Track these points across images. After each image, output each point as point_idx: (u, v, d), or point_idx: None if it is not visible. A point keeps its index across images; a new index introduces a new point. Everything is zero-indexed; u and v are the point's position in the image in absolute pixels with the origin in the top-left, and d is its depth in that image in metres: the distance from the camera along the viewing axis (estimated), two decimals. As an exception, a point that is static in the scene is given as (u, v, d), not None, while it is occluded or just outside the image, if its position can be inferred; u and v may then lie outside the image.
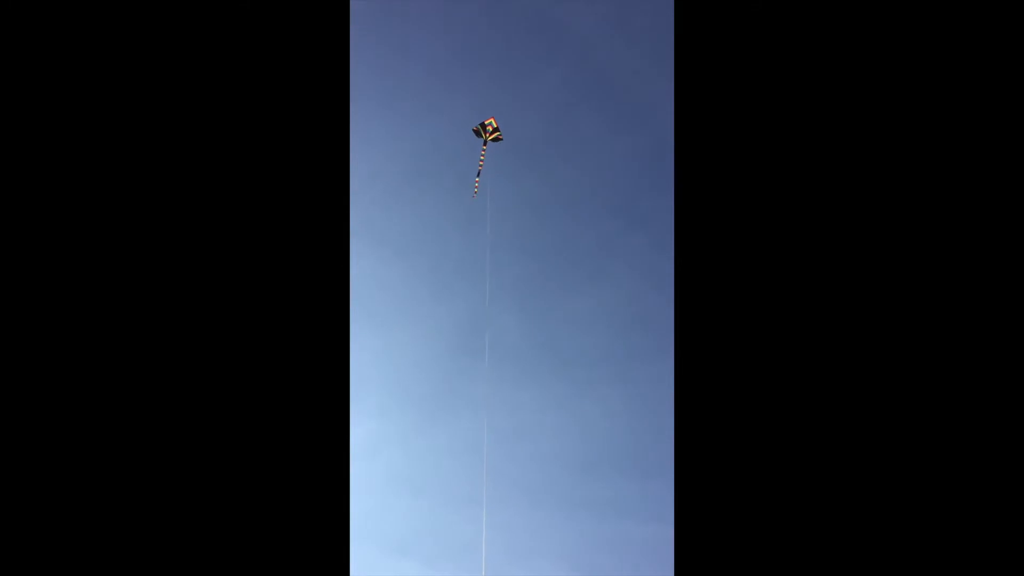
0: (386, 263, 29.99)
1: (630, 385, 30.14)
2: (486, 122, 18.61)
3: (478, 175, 18.42)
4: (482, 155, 18.39)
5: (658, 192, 30.90)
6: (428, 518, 27.75)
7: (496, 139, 18.50)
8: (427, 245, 30.68)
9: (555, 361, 30.40)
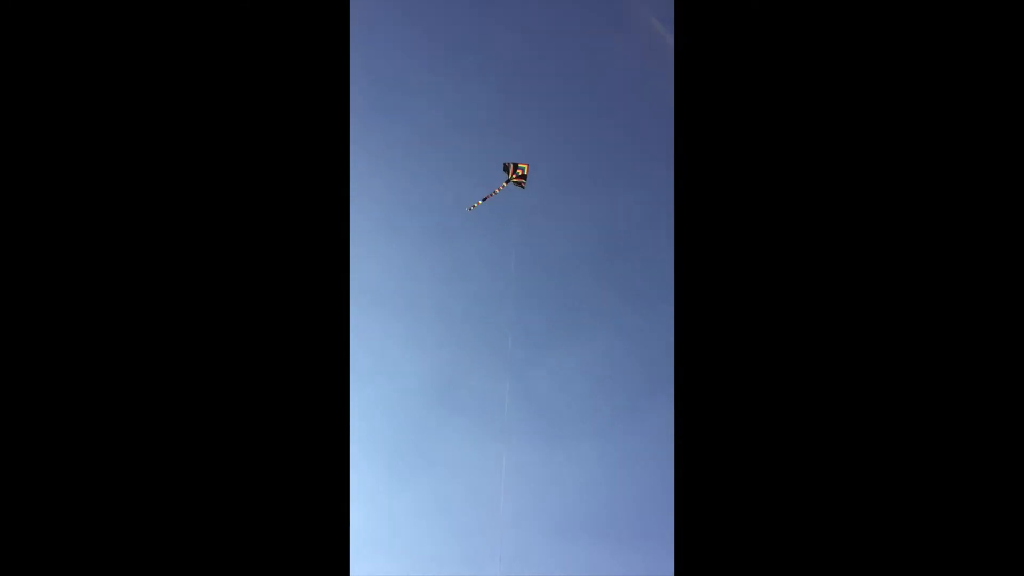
0: (363, 312, 29.59)
1: (611, 444, 29.69)
2: (520, 164, 18.54)
3: (485, 199, 18.43)
4: (498, 189, 18.35)
5: (644, 248, 31.06)
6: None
7: (518, 184, 18.44)
8: (404, 296, 30.41)
9: (531, 418, 29.88)
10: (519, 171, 18.43)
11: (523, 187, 18.63)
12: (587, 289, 30.97)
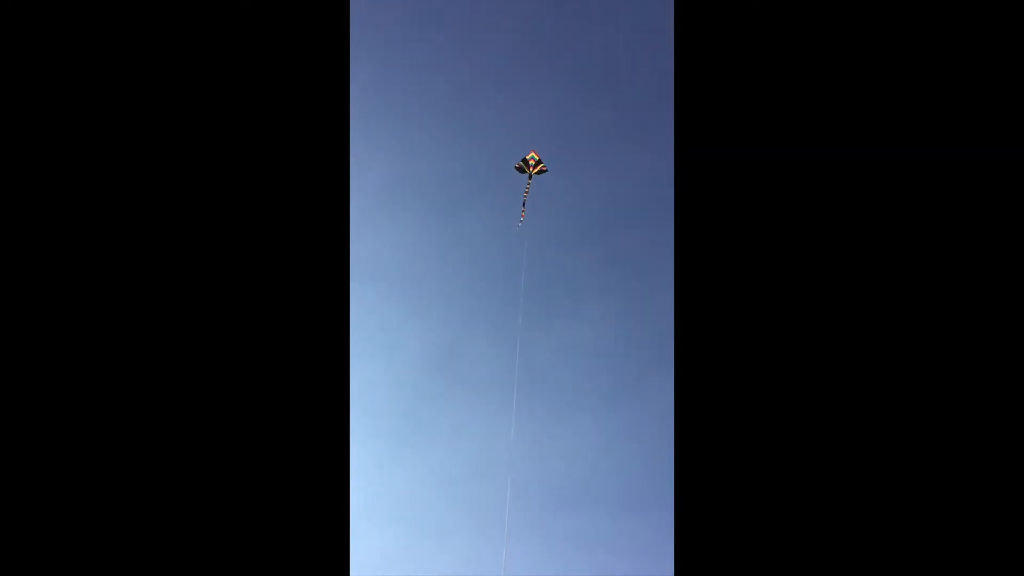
0: (362, 286, 29.72)
1: (609, 417, 29.94)
2: (527, 156, 18.71)
3: (523, 205, 18.66)
4: (527, 189, 18.53)
5: (640, 224, 31.01)
6: (405, 546, 27.21)
7: (541, 171, 18.64)
8: (404, 269, 30.52)
9: (532, 391, 30.11)
10: (530, 162, 18.60)
11: (546, 170, 18.83)
12: (590, 264, 31.02)
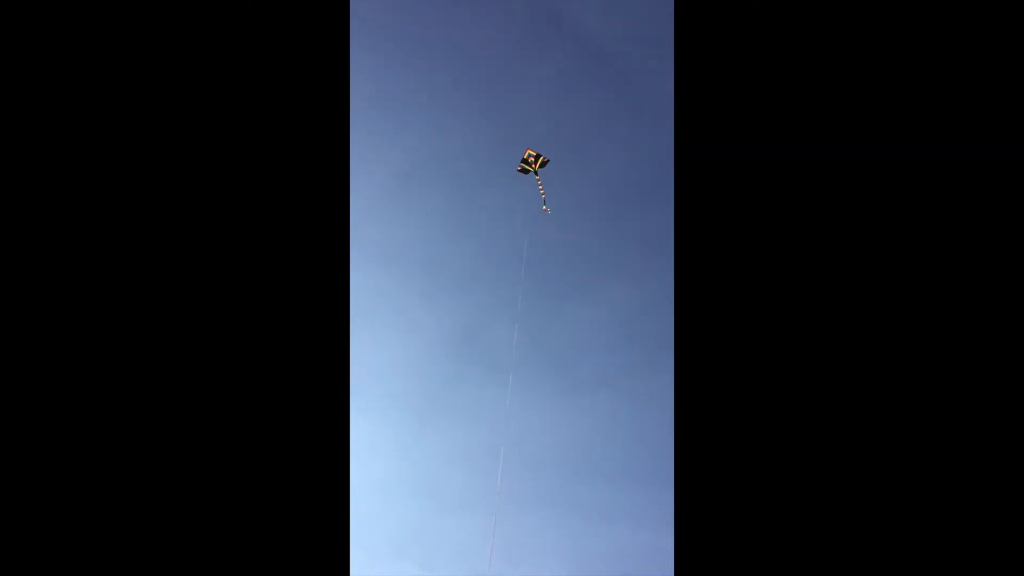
0: (379, 270, 30.03)
1: (622, 395, 30.20)
2: (525, 155, 19.07)
3: (544, 203, 19.28)
4: (539, 182, 18.90)
5: (657, 203, 31.00)
6: (423, 521, 27.76)
7: (544, 163, 19.03)
8: (420, 252, 30.80)
9: (549, 369, 30.41)
10: (530, 159, 18.93)
11: (548, 161, 19.25)
12: (604, 245, 31.09)
